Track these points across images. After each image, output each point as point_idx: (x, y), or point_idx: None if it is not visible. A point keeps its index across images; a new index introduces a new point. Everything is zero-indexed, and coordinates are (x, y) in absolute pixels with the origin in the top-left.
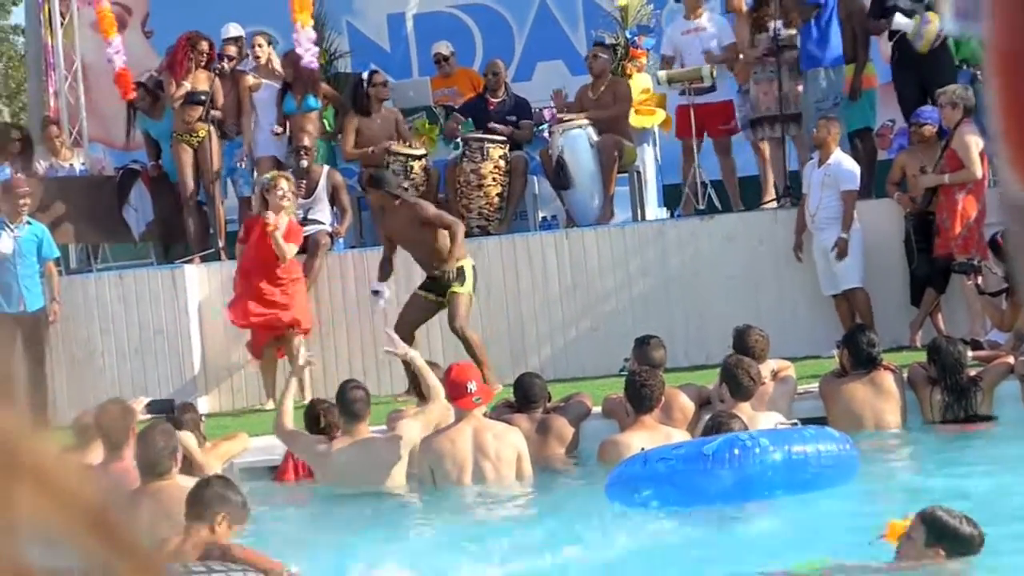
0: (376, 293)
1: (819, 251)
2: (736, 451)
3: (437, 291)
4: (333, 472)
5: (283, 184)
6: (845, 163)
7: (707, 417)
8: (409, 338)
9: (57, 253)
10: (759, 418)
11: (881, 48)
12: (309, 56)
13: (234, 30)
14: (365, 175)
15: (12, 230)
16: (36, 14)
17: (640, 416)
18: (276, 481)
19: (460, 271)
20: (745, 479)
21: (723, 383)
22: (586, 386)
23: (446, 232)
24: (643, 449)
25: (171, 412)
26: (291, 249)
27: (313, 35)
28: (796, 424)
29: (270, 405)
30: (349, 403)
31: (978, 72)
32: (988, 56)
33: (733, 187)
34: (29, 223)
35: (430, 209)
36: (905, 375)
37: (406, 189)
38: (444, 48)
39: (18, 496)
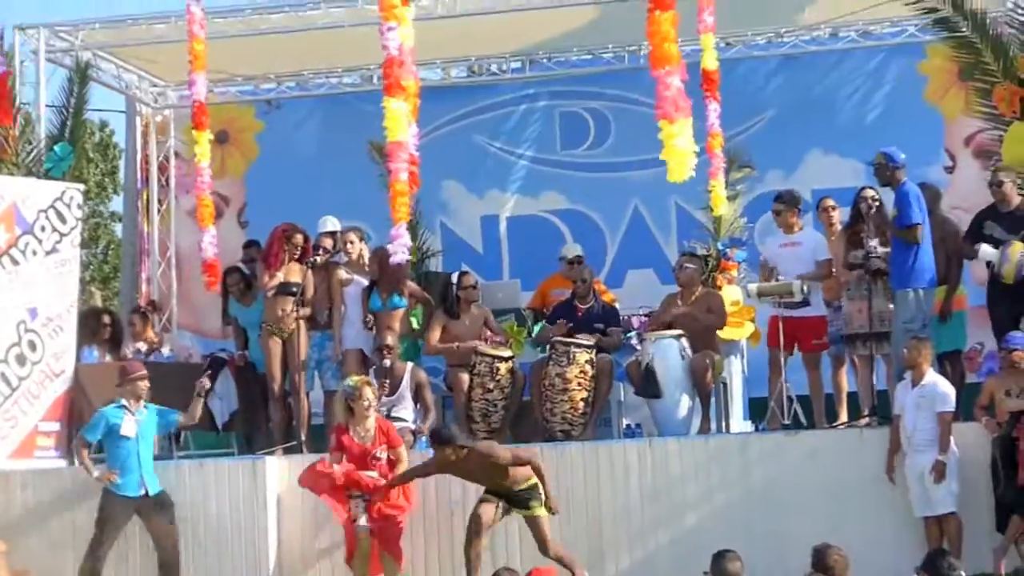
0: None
1: (914, 473)
2: None
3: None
4: None
5: (368, 393)
6: (940, 385)
7: None
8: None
9: (178, 416)
10: None
11: (974, 270)
12: (401, 254)
13: (331, 224)
14: (429, 431)
15: (133, 414)
16: (134, 201)
17: None
18: None
19: (533, 488)
20: None
21: None
22: None
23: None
24: None
25: None
26: (400, 454)
27: (406, 234)
28: None
29: None
30: None
31: None
32: None
33: (820, 403)
34: (147, 407)
35: (504, 453)
36: None
37: (473, 435)
38: (573, 251)
39: None
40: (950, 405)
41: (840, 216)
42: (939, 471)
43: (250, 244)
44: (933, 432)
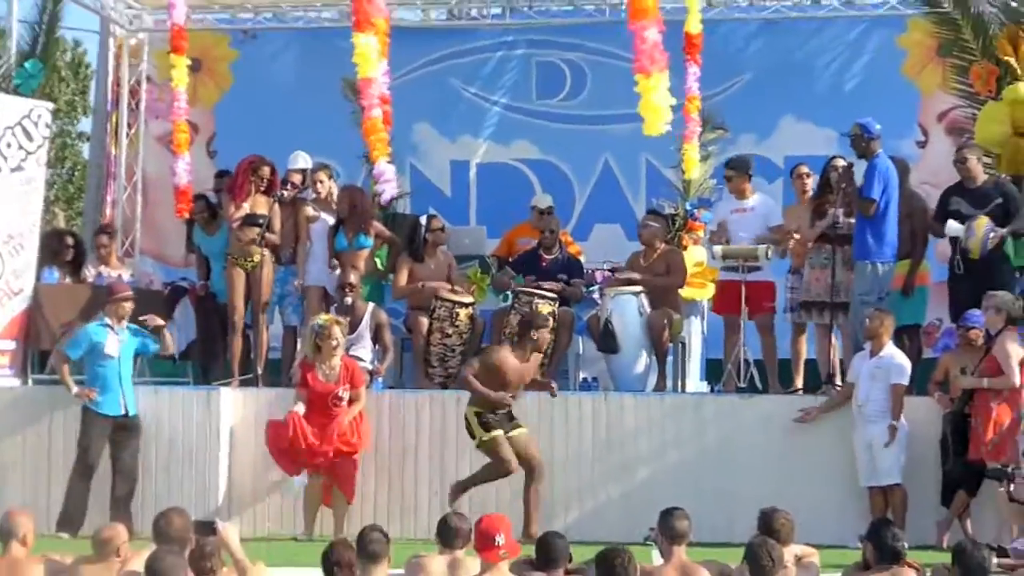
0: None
1: (862, 443)
2: None
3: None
4: None
5: (336, 332)
6: (897, 357)
7: None
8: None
9: (158, 346)
10: None
11: (937, 247)
12: (389, 190)
13: (302, 161)
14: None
15: (116, 333)
16: (103, 123)
17: None
18: None
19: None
20: None
21: (744, 562)
22: None
23: None
24: None
25: (213, 534)
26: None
27: (392, 170)
28: None
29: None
30: (366, 544)
31: None
32: None
33: (773, 367)
34: (128, 327)
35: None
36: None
37: (429, 378)
38: (544, 201)
39: None
40: (905, 377)
41: (813, 184)
42: (891, 434)
43: (222, 174)
44: (885, 404)
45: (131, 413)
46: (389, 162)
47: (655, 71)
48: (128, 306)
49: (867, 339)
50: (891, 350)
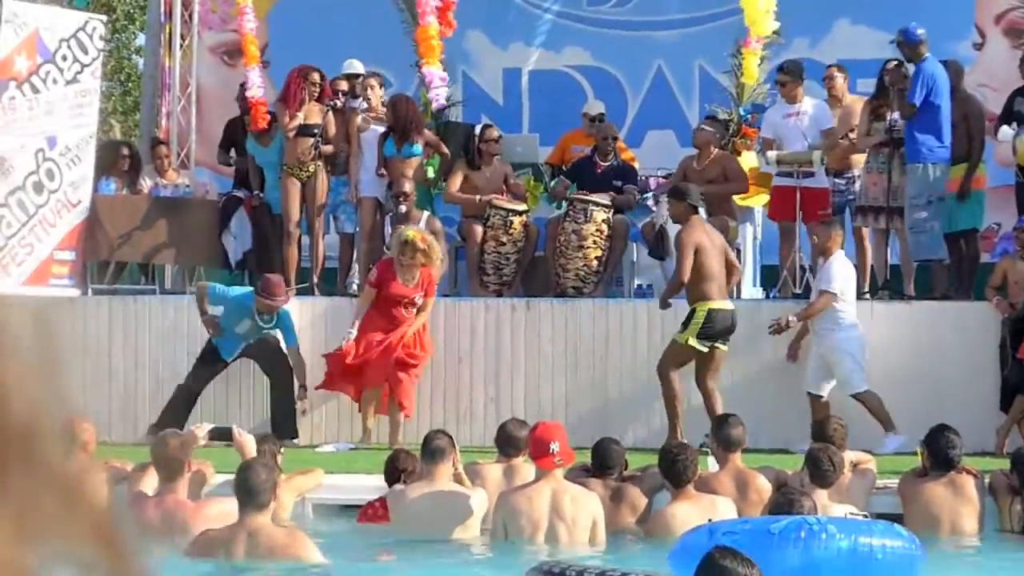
0: None
1: (814, 353)
2: (803, 533)
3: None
4: (407, 516)
5: (418, 250)
6: (834, 266)
7: (779, 495)
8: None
9: (297, 343)
10: (832, 508)
11: (996, 150)
12: (441, 96)
13: (355, 67)
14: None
15: (253, 319)
16: (157, 35)
17: (678, 488)
18: (358, 521)
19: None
20: (810, 562)
21: (805, 468)
22: None
23: None
24: (710, 520)
25: (230, 439)
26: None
27: (444, 76)
28: (867, 517)
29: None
30: (430, 445)
31: None
32: None
33: None
34: (278, 316)
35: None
36: (987, 481)
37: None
38: (596, 108)
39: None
40: (828, 284)
41: (844, 84)
42: (780, 326)
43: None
44: (833, 316)
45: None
46: (443, 69)
47: None
48: (277, 308)
49: (818, 255)
50: (834, 258)
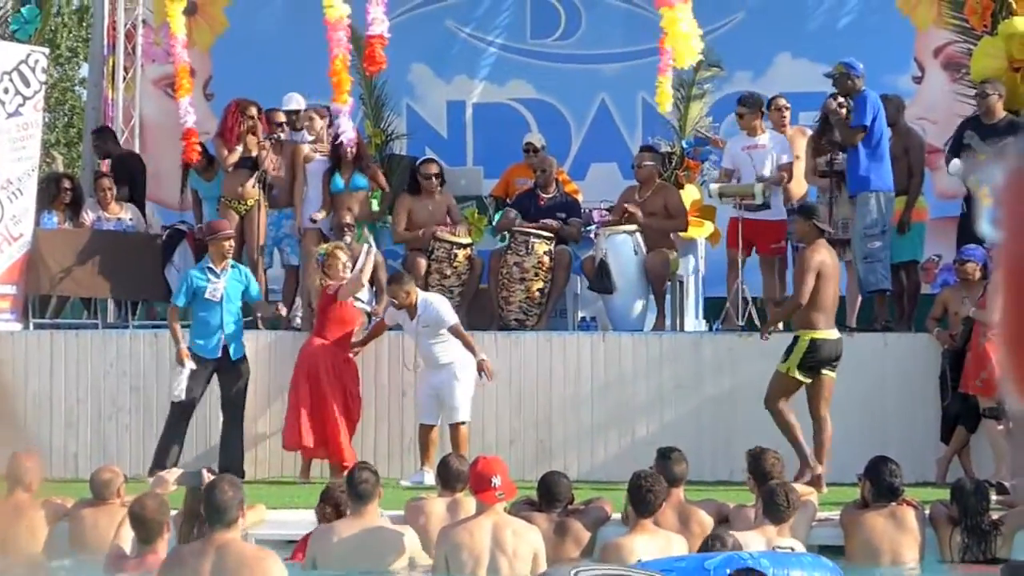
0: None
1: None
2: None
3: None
4: (332, 554)
5: (340, 255)
6: (433, 304)
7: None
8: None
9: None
10: (776, 541)
11: (935, 183)
12: (347, 133)
13: (295, 103)
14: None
15: (218, 276)
16: (100, 67)
17: (640, 520)
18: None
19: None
20: None
21: (759, 501)
22: (608, 491)
23: None
24: (640, 560)
25: (200, 486)
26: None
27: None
28: (792, 550)
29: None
30: (356, 484)
31: None
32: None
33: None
34: (233, 266)
35: None
36: (927, 512)
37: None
38: (536, 140)
39: None
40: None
41: (789, 116)
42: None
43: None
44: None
45: (233, 357)
46: (373, 109)
47: (678, 2)
48: (229, 244)
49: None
50: (431, 298)
